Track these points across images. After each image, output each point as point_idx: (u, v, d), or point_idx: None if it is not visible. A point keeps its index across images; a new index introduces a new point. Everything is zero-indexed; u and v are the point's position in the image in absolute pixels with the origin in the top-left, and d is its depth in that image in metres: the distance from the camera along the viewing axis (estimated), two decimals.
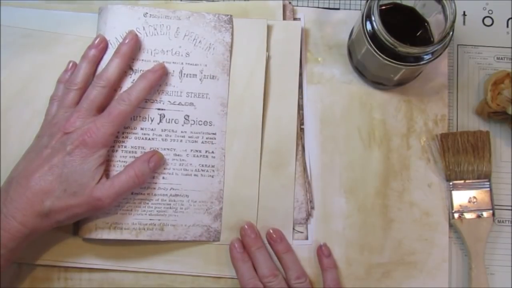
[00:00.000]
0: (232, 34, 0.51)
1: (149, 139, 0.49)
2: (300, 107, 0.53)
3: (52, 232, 0.46)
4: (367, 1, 0.47)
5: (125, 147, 0.48)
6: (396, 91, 0.54)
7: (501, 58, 0.55)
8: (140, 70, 0.49)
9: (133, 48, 0.49)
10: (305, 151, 0.52)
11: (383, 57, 0.47)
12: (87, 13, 0.53)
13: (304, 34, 0.54)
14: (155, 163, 0.48)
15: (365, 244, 0.51)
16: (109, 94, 0.47)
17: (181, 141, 0.50)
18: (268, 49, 0.52)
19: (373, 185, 0.52)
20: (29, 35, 0.52)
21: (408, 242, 0.51)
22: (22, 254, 0.45)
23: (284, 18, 0.54)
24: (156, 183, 0.49)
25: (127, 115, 0.47)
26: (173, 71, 0.50)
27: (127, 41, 0.49)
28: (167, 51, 0.50)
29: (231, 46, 0.51)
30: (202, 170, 0.50)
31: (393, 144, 0.53)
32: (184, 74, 0.50)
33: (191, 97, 0.50)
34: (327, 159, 0.52)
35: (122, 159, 0.48)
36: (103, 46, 0.49)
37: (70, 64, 0.50)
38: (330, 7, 0.56)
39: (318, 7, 0.56)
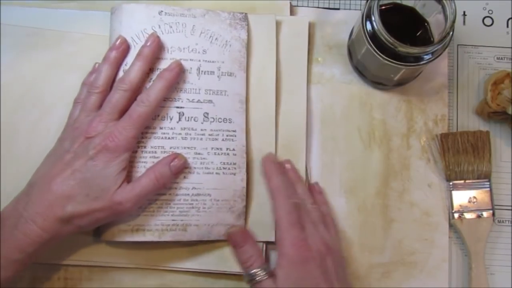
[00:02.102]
0: (248, 31, 0.51)
1: (169, 138, 0.48)
2: None
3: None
4: (367, 1, 0.47)
5: (144, 147, 0.48)
6: (396, 91, 0.54)
7: (501, 58, 0.55)
8: (157, 69, 0.49)
9: (155, 51, 0.48)
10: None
11: (383, 57, 0.47)
12: (93, 11, 0.53)
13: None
14: (177, 166, 0.47)
15: (365, 244, 0.51)
16: (132, 97, 0.47)
17: (201, 139, 0.49)
18: (277, 44, 0.53)
19: (373, 185, 0.52)
20: (34, 34, 0.53)
21: (408, 242, 0.51)
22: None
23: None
24: (177, 183, 0.48)
25: (148, 116, 0.46)
26: (191, 68, 0.50)
27: (149, 43, 0.48)
28: (183, 48, 0.50)
29: (247, 43, 0.51)
30: (224, 168, 0.49)
31: (393, 144, 0.53)
32: (202, 71, 0.50)
33: (209, 94, 0.50)
34: (327, 159, 0.53)
35: (142, 159, 0.47)
36: (125, 47, 0.49)
37: (95, 67, 0.50)
38: (330, 7, 0.56)
39: (318, 7, 0.56)
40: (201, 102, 0.49)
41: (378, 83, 0.53)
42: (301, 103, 0.53)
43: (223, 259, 0.50)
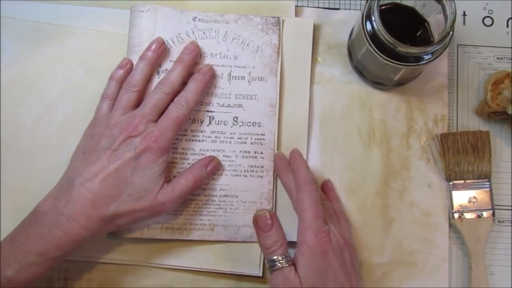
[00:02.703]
0: (279, 36, 0.52)
1: (199, 140, 0.50)
2: None
3: None
4: (367, 1, 0.47)
5: (175, 149, 0.50)
6: (396, 91, 0.54)
7: (501, 58, 0.55)
8: (189, 74, 0.50)
9: (195, 58, 0.50)
10: None
11: (383, 57, 0.47)
12: (99, 7, 0.54)
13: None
14: (212, 168, 0.49)
15: (365, 244, 0.51)
16: (170, 100, 0.47)
17: (230, 142, 0.51)
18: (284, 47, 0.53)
19: (373, 185, 0.52)
20: (41, 29, 0.53)
21: (408, 242, 0.51)
22: None
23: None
24: (206, 183, 0.50)
25: (185, 118, 0.47)
26: (222, 73, 0.51)
27: (188, 51, 0.49)
28: (215, 54, 0.51)
29: (279, 48, 0.52)
30: (251, 171, 0.50)
31: (393, 144, 0.53)
32: (233, 76, 0.51)
33: (239, 98, 0.51)
34: (327, 159, 0.53)
35: (173, 160, 0.49)
36: (163, 50, 0.50)
37: (125, 61, 0.50)
38: (330, 7, 0.56)
39: (318, 7, 0.56)
40: (231, 107, 0.51)
41: (378, 83, 0.53)
42: (304, 104, 0.53)
43: (223, 259, 0.50)
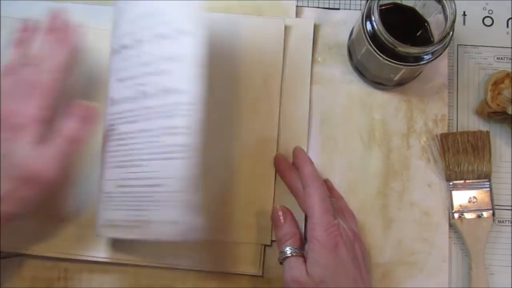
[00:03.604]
0: None
1: (133, 121, 0.42)
2: None
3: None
4: (367, 1, 0.47)
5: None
6: (396, 91, 0.54)
7: (501, 58, 0.55)
8: (129, 46, 0.43)
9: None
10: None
11: (383, 57, 0.47)
12: (97, 5, 0.54)
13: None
14: (90, 119, 0.43)
15: (365, 244, 0.51)
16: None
17: (155, 118, 0.41)
18: (284, 48, 0.53)
19: (373, 185, 0.52)
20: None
21: (408, 242, 0.51)
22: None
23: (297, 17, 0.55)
24: (133, 172, 0.42)
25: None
26: (150, 35, 0.42)
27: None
28: (146, 15, 0.43)
29: None
30: (176, 152, 0.40)
31: (393, 144, 0.53)
32: (160, 35, 0.42)
33: (164, 61, 0.41)
34: (327, 159, 0.52)
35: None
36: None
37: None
38: (330, 7, 0.56)
39: (318, 7, 0.56)
40: (159, 75, 0.41)
41: (378, 83, 0.53)
42: (303, 105, 0.53)
43: (224, 258, 0.50)
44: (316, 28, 0.55)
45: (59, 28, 0.45)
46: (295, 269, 0.43)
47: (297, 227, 0.47)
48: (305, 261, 0.44)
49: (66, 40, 0.45)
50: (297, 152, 0.50)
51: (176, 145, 0.40)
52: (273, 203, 0.51)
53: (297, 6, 0.55)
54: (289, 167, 0.50)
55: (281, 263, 0.45)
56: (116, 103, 0.43)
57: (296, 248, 0.45)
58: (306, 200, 0.46)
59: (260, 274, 0.50)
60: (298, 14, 0.55)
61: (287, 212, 0.48)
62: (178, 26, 0.41)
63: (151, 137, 0.41)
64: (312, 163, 0.48)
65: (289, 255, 0.44)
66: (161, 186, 0.40)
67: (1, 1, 0.53)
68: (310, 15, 0.55)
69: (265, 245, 0.50)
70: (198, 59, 0.40)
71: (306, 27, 0.54)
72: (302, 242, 0.46)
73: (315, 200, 0.45)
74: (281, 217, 0.47)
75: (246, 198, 0.50)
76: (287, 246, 0.45)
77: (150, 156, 0.41)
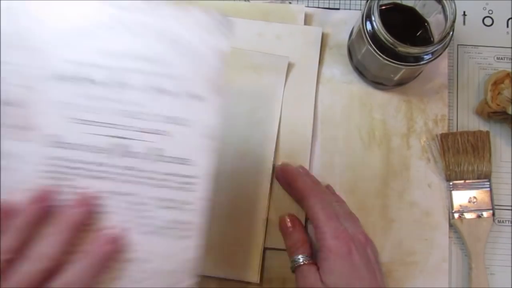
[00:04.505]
0: (230, 41, 0.37)
1: (103, 178, 0.35)
2: None
3: None
4: (367, 1, 0.47)
5: (72, 187, 0.34)
6: (396, 91, 0.54)
7: (501, 58, 0.55)
8: (102, 82, 0.35)
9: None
10: None
11: (383, 57, 0.47)
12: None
13: None
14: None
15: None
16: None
17: (147, 184, 0.35)
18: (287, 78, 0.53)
19: (373, 185, 0.52)
20: None
21: (408, 242, 0.51)
22: None
23: (305, 23, 0.54)
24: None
25: None
26: (143, 84, 0.35)
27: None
28: (138, 56, 0.36)
29: (226, 58, 0.37)
30: (174, 228, 0.36)
31: (393, 144, 0.53)
32: (158, 89, 0.36)
33: (165, 123, 0.36)
34: (327, 159, 0.52)
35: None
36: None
37: None
38: (330, 7, 0.56)
39: (318, 7, 0.56)
40: (153, 133, 0.36)
41: (378, 83, 0.53)
42: (308, 112, 0.53)
43: (222, 264, 0.49)
44: None
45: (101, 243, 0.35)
46: (308, 278, 0.43)
47: (306, 233, 0.47)
48: (318, 269, 0.43)
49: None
50: (285, 167, 0.49)
51: (176, 221, 0.35)
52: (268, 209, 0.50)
53: (310, 7, 0.55)
54: (297, 173, 0.49)
55: (293, 271, 0.45)
56: (70, 147, 0.35)
57: (307, 256, 0.44)
58: (308, 212, 0.45)
59: (258, 281, 0.49)
60: (307, 21, 0.55)
61: (295, 219, 0.48)
62: (189, 88, 0.36)
63: (136, 204, 0.35)
64: (302, 174, 0.48)
65: (302, 263, 0.44)
66: (148, 262, 0.35)
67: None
68: (310, 14, 0.55)
69: (264, 251, 0.50)
70: (211, 131, 0.36)
71: (314, 35, 0.54)
72: (313, 248, 0.46)
73: (316, 209, 0.44)
74: (289, 225, 0.47)
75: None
76: (299, 254, 0.45)
77: (132, 226, 0.35)
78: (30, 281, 0.32)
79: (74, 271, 0.33)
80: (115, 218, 0.35)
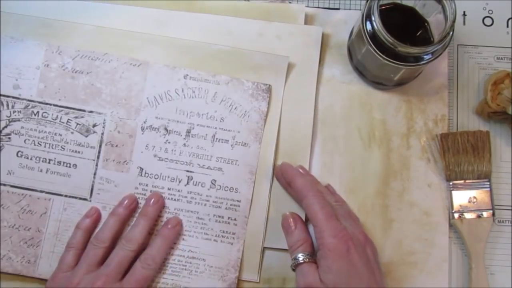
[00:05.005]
0: (268, 104, 0.51)
1: (175, 199, 0.50)
2: None
3: None
4: (367, 1, 0.47)
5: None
6: (396, 91, 0.54)
7: (501, 58, 0.55)
8: (175, 132, 0.50)
9: (159, 210, 0.49)
10: None
11: (383, 57, 0.47)
12: (103, 3, 0.54)
13: None
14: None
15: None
16: (136, 256, 0.47)
17: (205, 205, 0.50)
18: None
19: (373, 185, 0.52)
20: (48, 25, 0.52)
21: (408, 242, 0.51)
22: None
23: (305, 23, 0.54)
24: (175, 243, 0.49)
25: (152, 278, 0.47)
26: (206, 134, 0.50)
27: (151, 202, 0.49)
28: (202, 114, 0.51)
29: (266, 115, 0.51)
30: (223, 236, 0.50)
31: (393, 144, 0.53)
32: (217, 138, 0.51)
33: (220, 162, 0.50)
34: (327, 159, 0.52)
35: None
36: (134, 207, 0.49)
37: (92, 210, 0.49)
38: (330, 7, 0.56)
39: (318, 7, 0.56)
40: (211, 169, 0.50)
41: (378, 83, 0.53)
42: (308, 112, 0.53)
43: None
44: None
45: (171, 225, 0.49)
46: (308, 276, 0.43)
47: (308, 232, 0.47)
48: (317, 267, 0.43)
49: (173, 239, 0.49)
50: (285, 167, 0.49)
51: (225, 231, 0.49)
52: (267, 213, 0.51)
53: (306, 14, 0.55)
54: (297, 172, 0.49)
55: (293, 269, 0.45)
56: (151, 177, 0.50)
57: (308, 254, 0.45)
58: (307, 212, 0.46)
59: (258, 280, 0.50)
60: (308, 20, 0.55)
61: (298, 218, 0.48)
62: (237, 137, 0.51)
63: (197, 218, 0.50)
64: (302, 174, 0.48)
65: (302, 261, 0.44)
66: (202, 260, 0.49)
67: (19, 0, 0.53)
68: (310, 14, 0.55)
69: (264, 250, 0.50)
70: (252, 168, 0.50)
71: (314, 35, 0.54)
72: (314, 247, 0.46)
73: (315, 208, 0.44)
74: (292, 224, 0.47)
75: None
76: (299, 252, 0.45)
77: (194, 234, 0.50)
78: (128, 258, 0.46)
79: (154, 246, 0.48)
80: (188, 228, 0.50)
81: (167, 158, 0.50)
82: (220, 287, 0.49)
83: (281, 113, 0.52)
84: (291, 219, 0.48)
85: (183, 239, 0.49)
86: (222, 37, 0.53)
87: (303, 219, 0.49)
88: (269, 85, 0.51)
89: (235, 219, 0.50)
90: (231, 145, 0.50)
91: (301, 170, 0.50)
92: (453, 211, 0.52)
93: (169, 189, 0.50)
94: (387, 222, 0.52)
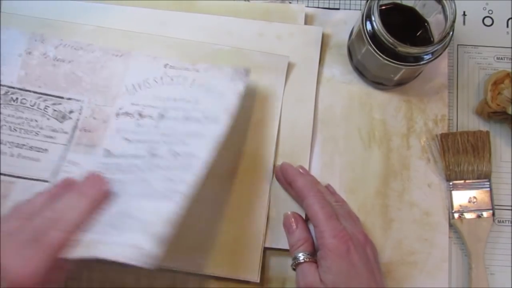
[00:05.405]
0: (245, 84, 0.49)
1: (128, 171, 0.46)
2: None
3: None
4: (367, 1, 0.47)
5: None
6: (396, 91, 0.54)
7: (501, 58, 0.55)
8: (148, 116, 0.49)
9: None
10: None
11: (383, 57, 0.47)
12: (105, 4, 0.54)
13: None
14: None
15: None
16: None
17: (154, 170, 0.45)
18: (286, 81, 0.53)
19: (373, 185, 0.52)
20: (49, 26, 0.53)
21: (408, 242, 0.51)
22: None
23: (305, 23, 0.54)
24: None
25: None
26: (178, 116, 0.48)
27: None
28: (179, 99, 0.49)
29: (243, 95, 0.49)
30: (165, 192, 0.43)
31: (393, 144, 0.53)
32: (187, 117, 0.48)
33: (189, 138, 0.46)
34: (327, 159, 0.53)
35: None
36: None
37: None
38: (330, 7, 0.56)
39: (318, 7, 0.56)
40: (178, 145, 0.46)
41: (378, 83, 0.53)
42: (308, 112, 0.52)
43: (222, 263, 0.49)
44: None
45: (86, 188, 0.42)
46: (308, 275, 0.43)
47: (309, 232, 0.47)
48: (318, 267, 0.43)
49: (88, 194, 0.42)
50: (285, 167, 0.49)
51: (171, 190, 0.42)
52: (267, 214, 0.51)
53: (306, 14, 0.55)
54: (297, 172, 0.49)
55: (294, 269, 0.45)
56: (115, 157, 0.48)
57: (308, 254, 0.45)
58: (307, 212, 0.46)
59: (258, 280, 0.49)
60: (308, 20, 0.55)
61: (299, 218, 0.48)
62: (208, 114, 0.47)
63: (143, 181, 0.44)
64: (302, 174, 0.48)
65: (302, 261, 0.44)
66: (134, 217, 0.41)
67: (20, 0, 0.54)
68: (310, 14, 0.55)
69: (264, 250, 0.50)
70: (219, 140, 0.45)
71: (314, 35, 0.54)
72: (315, 247, 0.46)
73: (316, 208, 0.45)
74: (293, 223, 0.47)
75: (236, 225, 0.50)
76: (300, 252, 0.45)
77: (137, 194, 0.43)
78: None
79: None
80: (129, 191, 0.44)
81: (135, 139, 0.48)
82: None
83: (281, 113, 0.52)
84: (293, 219, 0.48)
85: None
86: (222, 37, 0.53)
87: (304, 218, 0.49)
88: (249, 68, 0.50)
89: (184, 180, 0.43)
90: (202, 123, 0.47)
91: (301, 170, 0.50)
92: (453, 211, 0.52)
93: (127, 164, 0.47)
94: (387, 222, 0.52)
